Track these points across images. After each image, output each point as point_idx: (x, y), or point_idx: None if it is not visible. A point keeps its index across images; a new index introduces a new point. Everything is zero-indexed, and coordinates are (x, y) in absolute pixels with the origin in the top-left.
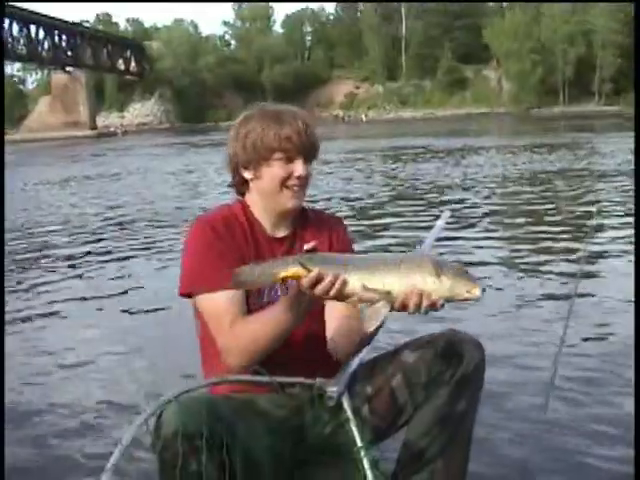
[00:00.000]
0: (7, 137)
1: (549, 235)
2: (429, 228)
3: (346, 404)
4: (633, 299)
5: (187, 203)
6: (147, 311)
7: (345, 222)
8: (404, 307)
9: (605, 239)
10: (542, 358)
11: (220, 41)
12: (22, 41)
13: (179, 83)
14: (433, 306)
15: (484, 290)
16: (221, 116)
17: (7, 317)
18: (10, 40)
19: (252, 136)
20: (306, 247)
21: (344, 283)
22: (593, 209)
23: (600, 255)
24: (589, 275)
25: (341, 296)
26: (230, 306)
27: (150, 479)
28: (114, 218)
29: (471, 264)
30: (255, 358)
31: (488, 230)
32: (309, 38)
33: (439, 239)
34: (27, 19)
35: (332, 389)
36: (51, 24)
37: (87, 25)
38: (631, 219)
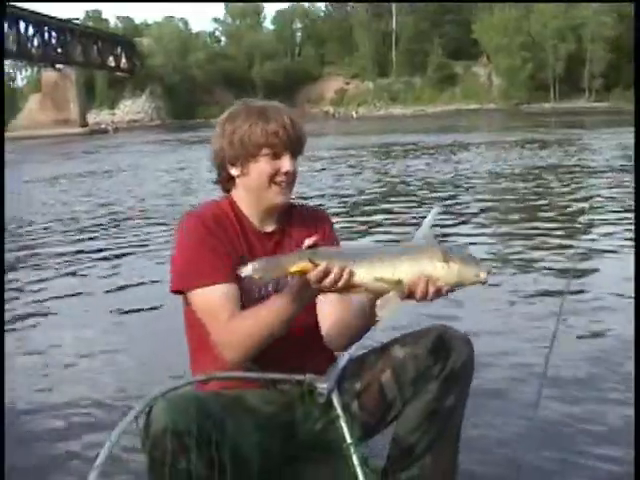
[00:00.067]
0: None
1: (541, 231)
2: (419, 224)
3: (336, 401)
4: (633, 299)
5: (179, 200)
6: (138, 309)
7: (336, 219)
8: (411, 295)
9: (597, 235)
10: (534, 355)
11: (210, 38)
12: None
13: (170, 80)
14: (440, 293)
15: (490, 273)
16: (212, 113)
17: None
18: None
19: (239, 132)
20: (307, 242)
21: (351, 275)
22: (585, 205)
23: (592, 251)
24: (581, 272)
25: (348, 288)
26: (226, 301)
27: (139, 477)
28: (106, 216)
29: None
30: (252, 352)
31: (479, 226)
32: (299, 34)
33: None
34: (16, 16)
35: (322, 385)
36: (40, 21)
37: (77, 22)
38: (623, 215)
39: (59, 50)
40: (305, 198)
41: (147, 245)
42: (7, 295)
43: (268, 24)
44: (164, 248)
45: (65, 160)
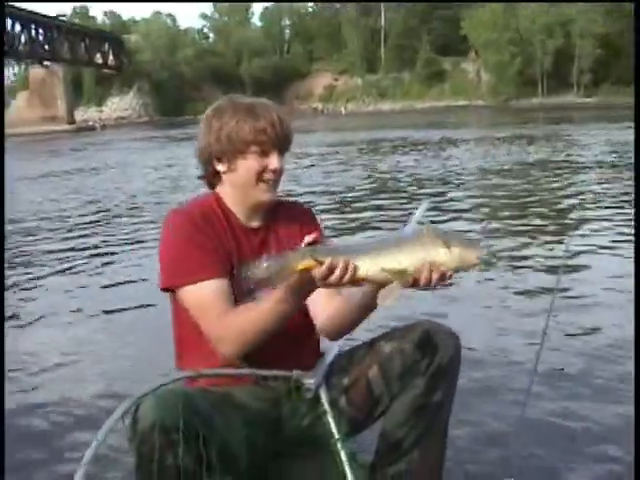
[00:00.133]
0: None
1: (531, 227)
2: (408, 220)
3: (323, 396)
4: (633, 298)
5: (167, 197)
6: (126, 308)
7: (326, 216)
8: (415, 283)
9: (587, 231)
10: (525, 352)
11: (198, 34)
12: None
13: (157, 76)
14: (443, 278)
15: (493, 253)
16: (200, 109)
17: None
18: None
19: (226, 129)
20: (307, 239)
21: (355, 269)
22: (575, 201)
23: (583, 248)
24: (572, 268)
25: (354, 282)
26: (218, 296)
27: (128, 473)
28: (94, 213)
29: None
30: (249, 347)
31: (469, 222)
32: (287, 31)
33: None
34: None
35: (309, 381)
36: (27, 18)
37: (64, 19)
38: (613, 211)
39: (46, 47)
40: (294, 195)
41: (136, 242)
42: None
43: (256, 20)
44: (153, 246)
45: (52, 157)
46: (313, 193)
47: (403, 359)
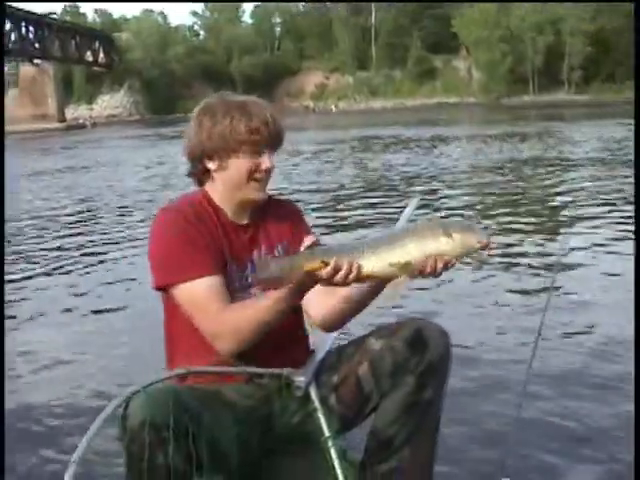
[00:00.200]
0: None
1: (523, 226)
2: (399, 217)
3: (314, 394)
4: (633, 298)
5: (159, 195)
6: (117, 308)
7: (317, 214)
8: (420, 274)
9: (581, 230)
10: (520, 353)
11: (189, 31)
12: None
13: (148, 74)
14: (447, 266)
15: (491, 236)
16: (190, 107)
17: None
18: None
19: (219, 127)
20: (307, 242)
21: (360, 267)
22: (568, 198)
23: (577, 245)
24: (566, 267)
25: (359, 280)
26: (214, 293)
27: (117, 471)
28: (85, 211)
29: None
30: (246, 343)
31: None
32: (278, 29)
33: None
34: None
35: (300, 379)
36: (18, 16)
37: (54, 17)
38: (606, 208)
39: (37, 45)
40: (285, 193)
41: (128, 241)
42: None
43: (247, 18)
44: (145, 244)
45: (43, 155)
46: (304, 191)
47: (393, 356)
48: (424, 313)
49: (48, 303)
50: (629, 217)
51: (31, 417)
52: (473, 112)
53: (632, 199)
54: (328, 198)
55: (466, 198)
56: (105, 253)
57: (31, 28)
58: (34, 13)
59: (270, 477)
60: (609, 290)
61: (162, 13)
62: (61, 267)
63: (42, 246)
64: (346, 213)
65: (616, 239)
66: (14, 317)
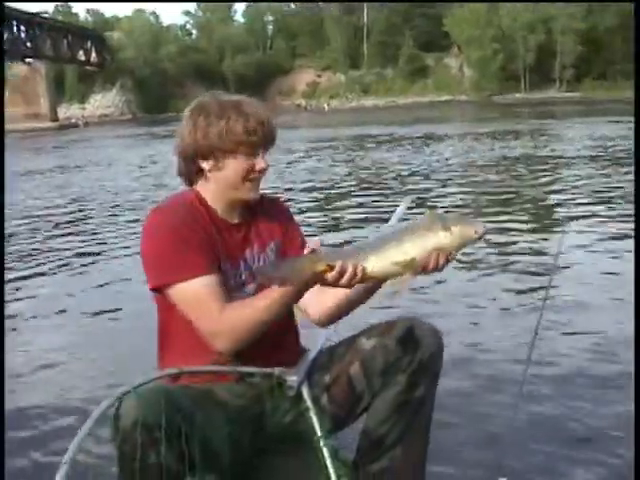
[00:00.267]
0: None
1: (518, 224)
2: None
3: (306, 393)
4: (633, 298)
5: (152, 194)
6: (110, 308)
7: (309, 213)
8: (424, 270)
9: (577, 228)
10: (517, 353)
11: (181, 31)
12: None
13: (140, 73)
14: (448, 260)
15: (485, 225)
16: (182, 106)
17: None
18: None
19: (216, 127)
20: (310, 246)
21: (364, 269)
22: (562, 197)
23: (573, 244)
24: (562, 266)
25: (363, 280)
26: (211, 292)
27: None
28: (78, 211)
29: None
30: (245, 341)
31: None
32: (270, 28)
33: None
34: None
35: (292, 378)
36: (9, 15)
37: (46, 15)
38: (600, 207)
39: (28, 44)
40: (278, 192)
41: (121, 241)
42: None
43: (239, 17)
44: (138, 244)
45: (36, 155)
46: (297, 189)
47: (385, 356)
48: (419, 313)
49: (39, 304)
50: (624, 215)
51: (22, 418)
52: (465, 110)
53: (627, 197)
54: (321, 196)
55: (459, 196)
56: (98, 253)
57: (23, 27)
58: (26, 12)
59: (262, 476)
60: (606, 289)
61: (154, 13)
62: (53, 268)
63: (34, 246)
64: (339, 211)
65: (612, 237)
66: (6, 318)
